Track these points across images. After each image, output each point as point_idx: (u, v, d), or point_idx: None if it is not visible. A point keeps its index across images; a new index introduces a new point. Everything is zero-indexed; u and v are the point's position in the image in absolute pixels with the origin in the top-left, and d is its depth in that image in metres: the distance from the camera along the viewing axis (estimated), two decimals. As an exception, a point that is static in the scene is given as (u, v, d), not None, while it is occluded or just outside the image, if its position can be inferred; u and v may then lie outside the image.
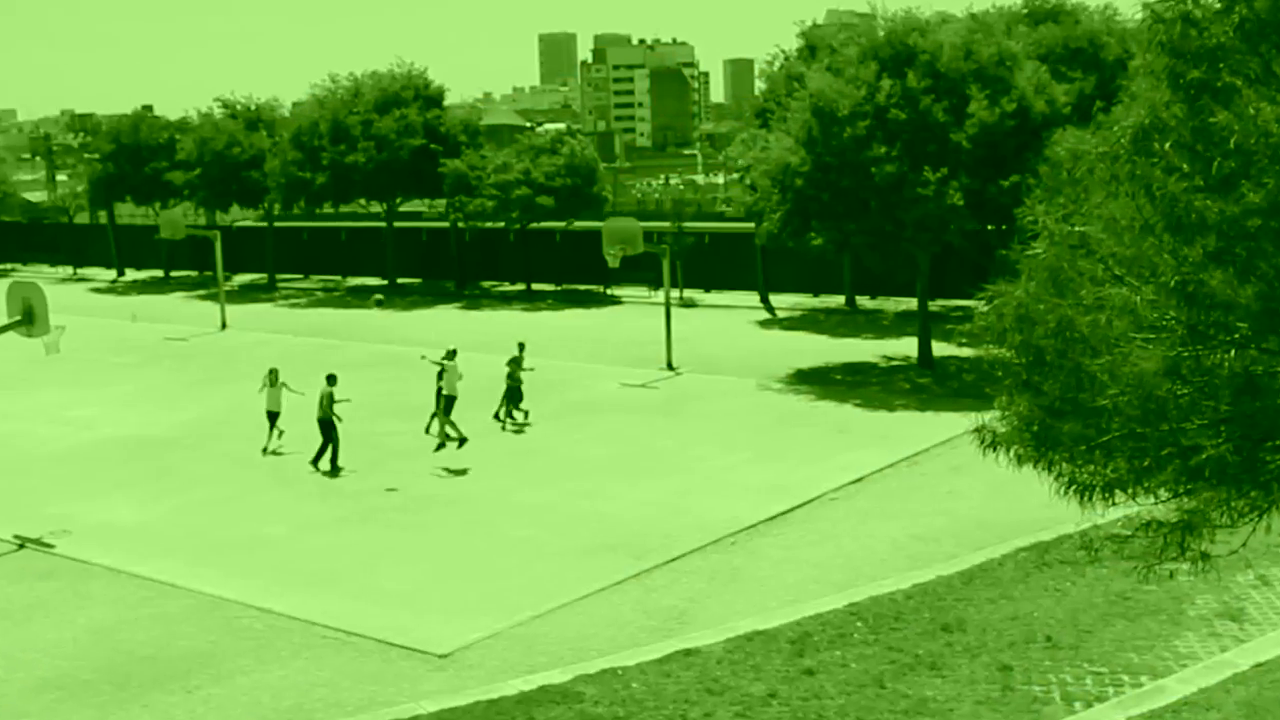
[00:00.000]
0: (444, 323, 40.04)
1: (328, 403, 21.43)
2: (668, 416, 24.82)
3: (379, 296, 20.17)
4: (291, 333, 38.09)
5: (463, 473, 20.88)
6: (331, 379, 21.92)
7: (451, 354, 22.29)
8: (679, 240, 41.53)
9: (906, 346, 31.02)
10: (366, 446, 22.90)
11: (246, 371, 31.70)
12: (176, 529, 18.41)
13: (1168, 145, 7.28)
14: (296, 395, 23.19)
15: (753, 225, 36.60)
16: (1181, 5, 7.23)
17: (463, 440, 21.42)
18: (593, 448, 22.40)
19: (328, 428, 21.19)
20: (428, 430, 22.71)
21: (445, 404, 21.49)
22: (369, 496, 19.65)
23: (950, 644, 12.96)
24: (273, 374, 22.87)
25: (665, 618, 14.43)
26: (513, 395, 23.95)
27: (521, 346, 25.39)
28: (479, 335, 36.72)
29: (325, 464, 21.25)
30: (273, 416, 22.49)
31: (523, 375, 24.36)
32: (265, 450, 21.98)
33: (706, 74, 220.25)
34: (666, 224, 42.92)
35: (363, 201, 48.56)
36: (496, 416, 23.81)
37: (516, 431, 23.45)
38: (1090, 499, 8.27)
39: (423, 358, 22.10)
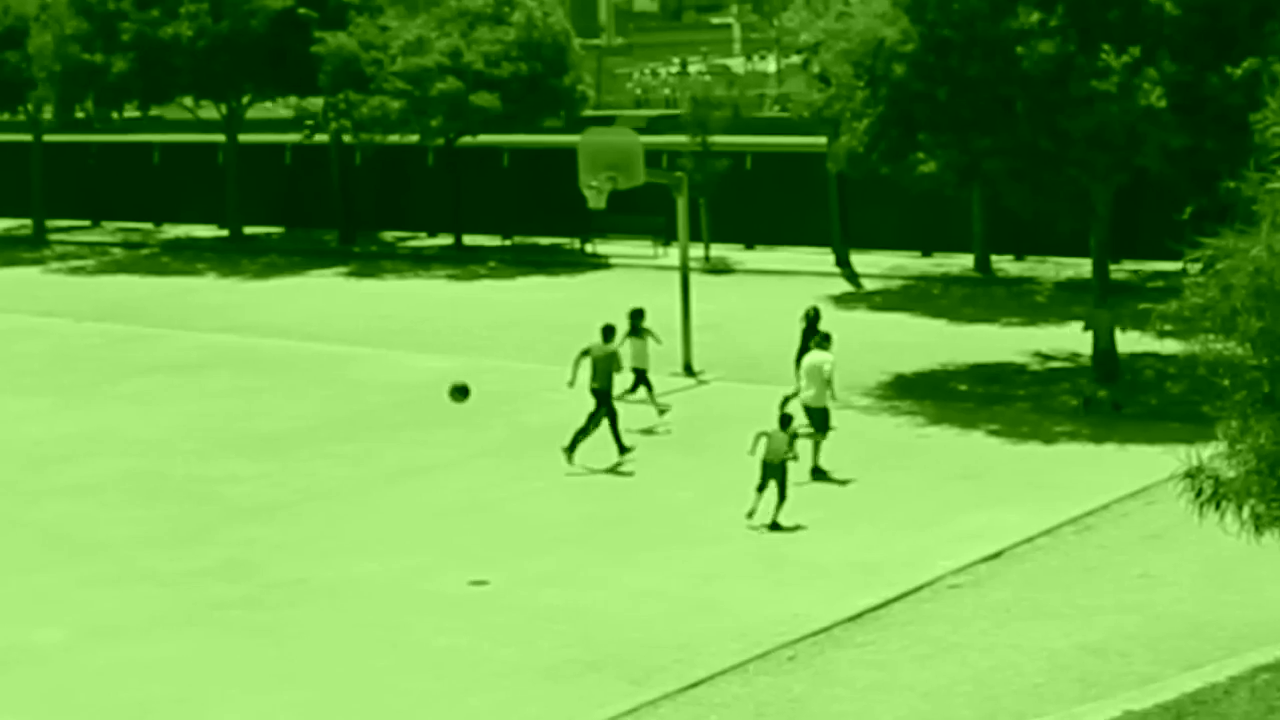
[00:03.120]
0: (317, 297, 40.05)
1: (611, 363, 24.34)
2: (685, 452, 24.79)
3: (459, 385, 20.56)
4: (73, 315, 38.13)
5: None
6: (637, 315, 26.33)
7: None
8: (704, 165, 41.57)
9: (1074, 337, 31.05)
10: (194, 500, 22.90)
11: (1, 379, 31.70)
12: (-115, 635, 18.37)
13: None
14: (655, 346, 26.80)
15: (824, 141, 36.60)
16: None
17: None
18: (562, 503, 22.39)
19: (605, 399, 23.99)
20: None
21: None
22: (199, 582, 19.65)
23: (1145, 823, 12.91)
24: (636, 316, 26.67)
25: (681, 780, 14.42)
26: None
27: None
28: (376, 320, 36.74)
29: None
30: (641, 375, 26.15)
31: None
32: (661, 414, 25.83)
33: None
34: (683, 138, 42.95)
35: (188, 102, 48.60)
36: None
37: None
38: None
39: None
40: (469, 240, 46.16)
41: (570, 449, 23.68)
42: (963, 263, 40.16)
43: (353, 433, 26.36)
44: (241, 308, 38.78)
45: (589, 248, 44.71)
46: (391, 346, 33.43)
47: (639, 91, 77.69)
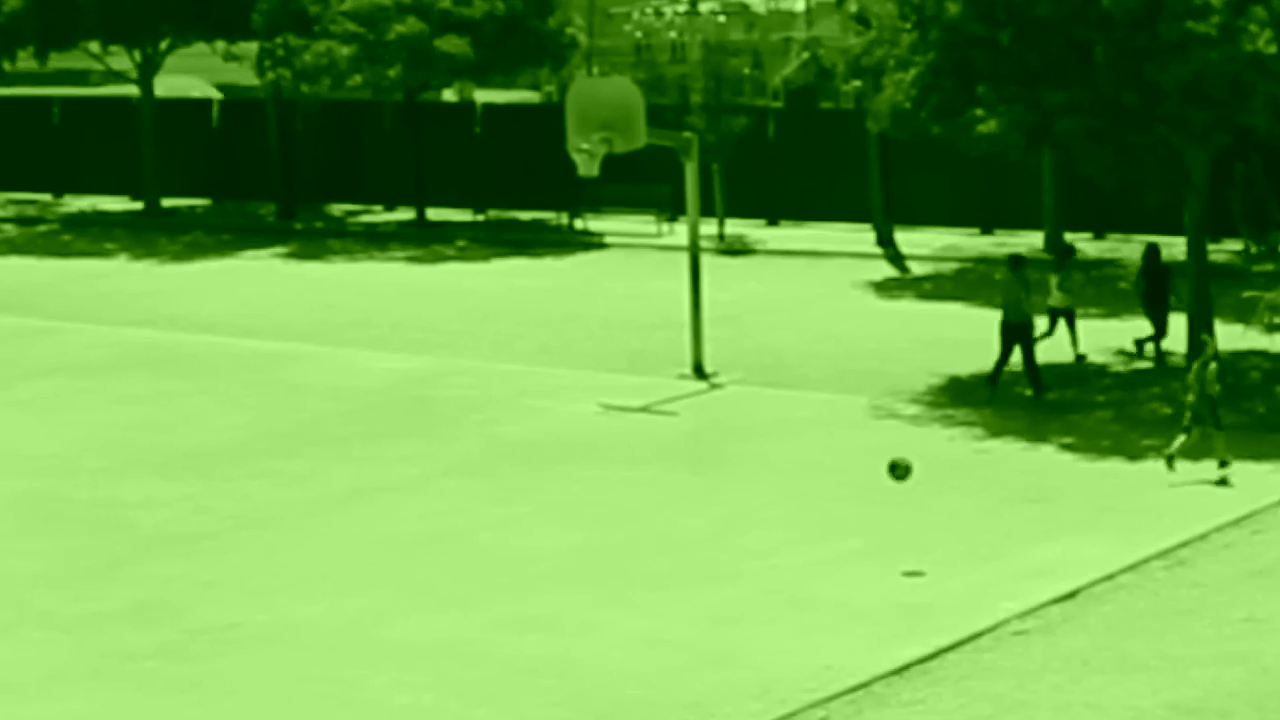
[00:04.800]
0: (250, 284, 40.02)
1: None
2: (695, 471, 24.81)
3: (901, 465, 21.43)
4: (-45, 305, 38.12)
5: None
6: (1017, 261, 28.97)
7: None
8: (717, 123, 41.52)
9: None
10: (101, 529, 22.88)
11: None
12: None
13: None
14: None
15: (859, 91, 36.55)
16: None
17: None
18: (546, 532, 22.38)
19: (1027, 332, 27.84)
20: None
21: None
22: (107, 627, 19.63)
23: None
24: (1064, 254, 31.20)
25: None
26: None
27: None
28: (322, 311, 36.71)
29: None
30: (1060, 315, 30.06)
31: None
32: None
33: None
34: (693, 93, 42.91)
35: (95, 48, 48.52)
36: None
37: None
38: None
39: None
40: (434, 215, 46.14)
41: (1035, 390, 27.69)
42: (1031, 242, 40.10)
43: (293, 447, 26.33)
44: (159, 296, 38.73)
45: (579, 224, 44.69)
46: (340, 343, 33.40)
47: (639, 35, 77.64)
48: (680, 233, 35.51)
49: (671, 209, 41.94)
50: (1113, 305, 34.38)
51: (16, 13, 45.05)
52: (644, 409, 27.75)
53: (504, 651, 18.53)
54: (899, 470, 20.99)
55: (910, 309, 35.25)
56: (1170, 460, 23.14)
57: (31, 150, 52.58)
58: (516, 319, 35.07)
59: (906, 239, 40.96)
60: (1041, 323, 29.02)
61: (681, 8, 76.97)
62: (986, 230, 41.76)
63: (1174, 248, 31.95)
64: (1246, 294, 30.93)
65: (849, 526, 22.01)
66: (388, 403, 28.73)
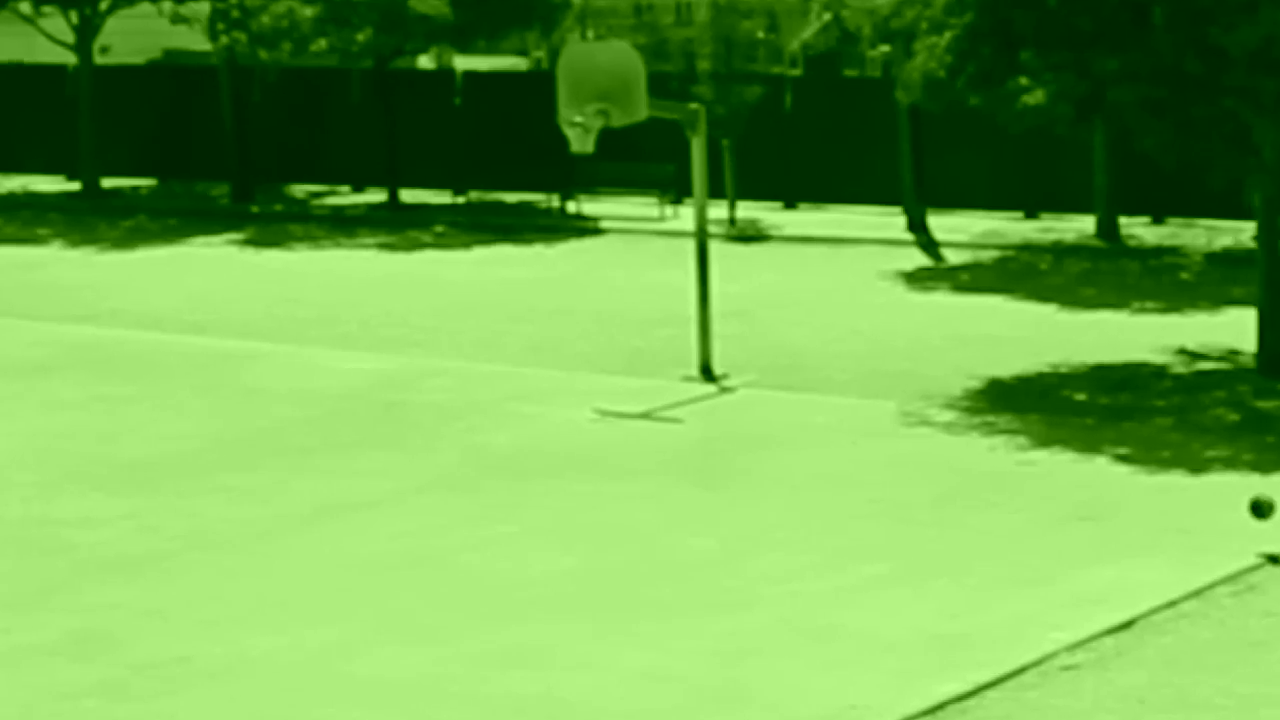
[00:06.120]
0: (202, 275, 40.04)
1: None
2: (703, 485, 24.83)
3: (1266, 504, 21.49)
4: None
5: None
6: None
7: None
8: (727, 94, 41.54)
9: (1232, 327, 31.01)
10: (33, 550, 22.88)
11: None
12: None
13: None
14: None
15: (887, 57, 36.53)
16: None
17: None
18: (537, 554, 22.39)
19: None
20: None
21: None
22: (40, 661, 19.65)
23: None
24: None
25: None
26: None
27: None
28: (282, 305, 36.71)
29: None
30: None
31: None
32: None
33: None
34: (700, 59, 42.92)
35: (26, 9, 48.51)
36: None
37: None
38: None
39: None
40: (408, 197, 46.17)
41: None
42: (1080, 227, 40.15)
43: (250, 459, 26.34)
44: (99, 288, 38.73)
45: (572, 207, 44.73)
46: (302, 342, 33.41)
47: (640, -3, 77.71)
48: (686, 217, 35.51)
49: (676, 190, 41.98)
50: (1173, 298, 34.42)
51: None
52: (645, 415, 27.77)
53: (487, 689, 18.55)
54: (1264, 509, 20.93)
55: (945, 302, 35.26)
56: None
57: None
58: (501, 314, 35.07)
59: (941, 224, 40.97)
60: None
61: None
62: (1031, 214, 41.77)
63: (1242, 233, 32.09)
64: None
65: (876, 548, 22.02)
66: (357, 409, 28.74)
